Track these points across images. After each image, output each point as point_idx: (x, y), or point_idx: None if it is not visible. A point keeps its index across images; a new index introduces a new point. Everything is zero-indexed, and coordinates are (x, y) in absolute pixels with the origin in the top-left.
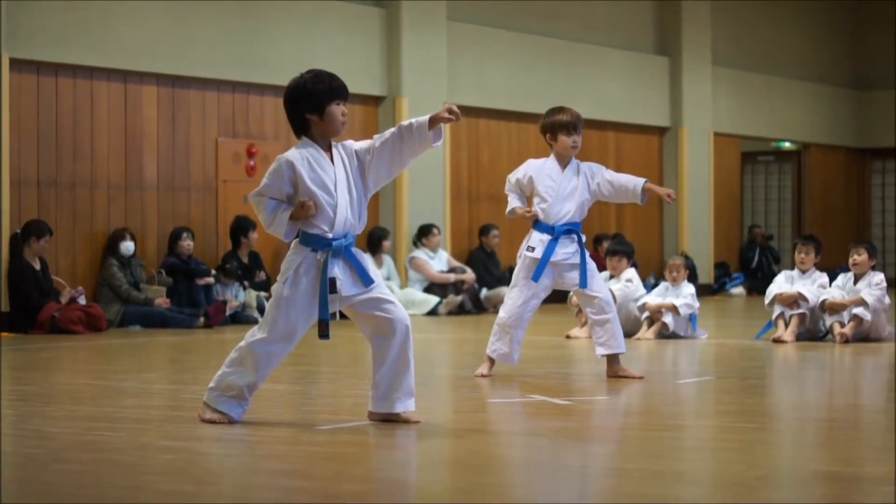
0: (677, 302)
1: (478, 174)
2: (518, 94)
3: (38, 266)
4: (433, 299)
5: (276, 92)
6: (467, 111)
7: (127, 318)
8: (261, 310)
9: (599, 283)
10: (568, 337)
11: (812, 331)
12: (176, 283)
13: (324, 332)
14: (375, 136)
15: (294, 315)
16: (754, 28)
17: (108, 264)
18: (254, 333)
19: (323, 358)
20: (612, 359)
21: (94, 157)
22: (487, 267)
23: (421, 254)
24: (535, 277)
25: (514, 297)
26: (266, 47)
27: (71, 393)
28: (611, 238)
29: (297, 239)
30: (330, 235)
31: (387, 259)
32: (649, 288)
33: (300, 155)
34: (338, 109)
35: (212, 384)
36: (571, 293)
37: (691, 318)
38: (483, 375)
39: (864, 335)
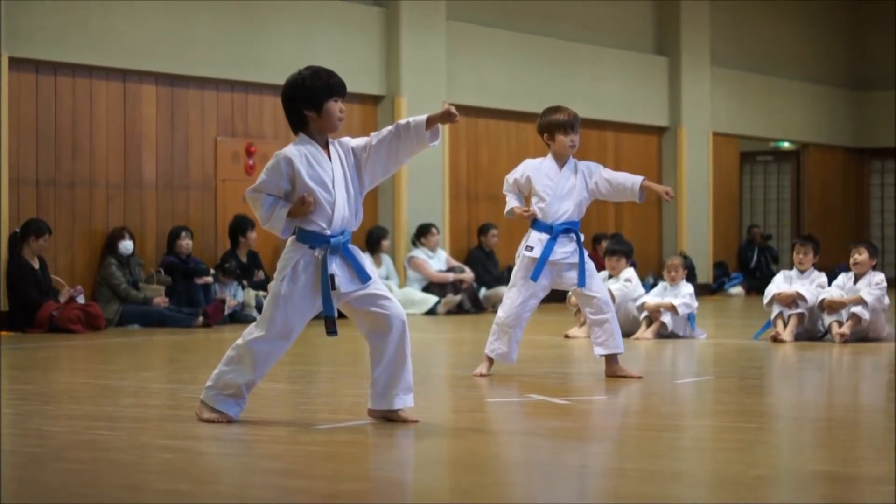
0: (676, 301)
1: (476, 174)
2: (517, 94)
3: (36, 265)
4: (432, 299)
5: (275, 91)
6: (466, 111)
7: (126, 318)
8: (259, 309)
9: (598, 283)
10: (567, 336)
11: (811, 331)
12: (175, 283)
13: (331, 329)
14: (373, 134)
15: (292, 313)
16: (753, 28)
17: (107, 263)
18: (251, 331)
19: (322, 357)
20: (611, 358)
21: (93, 156)
22: (486, 266)
23: (420, 253)
24: (534, 277)
25: (513, 297)
26: (265, 46)
27: (69, 392)
28: (609, 238)
29: (294, 236)
30: (328, 232)
31: (386, 258)
32: (648, 288)
33: (298, 151)
34: (335, 106)
35: (209, 383)
36: (570, 293)
37: (690, 318)
38: (482, 375)
39: (863, 335)
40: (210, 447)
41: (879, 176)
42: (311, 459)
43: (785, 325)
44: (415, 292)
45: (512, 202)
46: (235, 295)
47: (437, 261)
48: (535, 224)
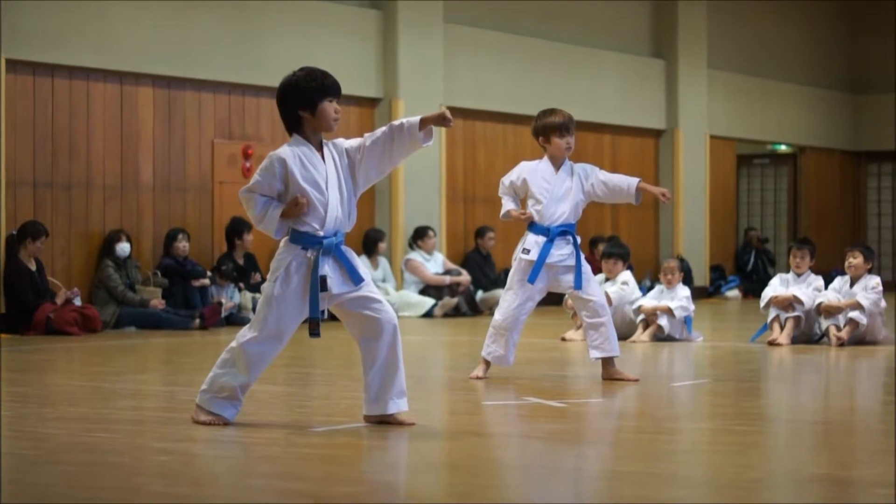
0: (673, 304)
1: (473, 176)
2: (514, 97)
3: (33, 267)
4: (428, 301)
5: (271, 94)
6: (463, 113)
7: (122, 320)
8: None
9: (595, 286)
10: (563, 339)
11: (807, 334)
12: (171, 285)
13: (314, 331)
14: (366, 135)
15: (285, 313)
16: (750, 31)
17: (104, 266)
18: (244, 334)
19: (317, 360)
20: (608, 361)
21: (90, 158)
22: (483, 269)
23: (416, 256)
24: (531, 280)
25: (510, 300)
26: (262, 49)
27: (66, 394)
28: (606, 240)
29: (287, 237)
30: (321, 233)
31: (382, 261)
32: (645, 291)
33: (292, 152)
34: (330, 107)
35: (204, 386)
36: (567, 295)
37: (687, 321)
38: (478, 378)
39: (859, 338)
40: (206, 450)
41: (876, 179)
42: (307, 462)
43: (781, 328)
44: (411, 295)
45: (508, 204)
46: (232, 297)
47: (434, 263)
48: (532, 227)
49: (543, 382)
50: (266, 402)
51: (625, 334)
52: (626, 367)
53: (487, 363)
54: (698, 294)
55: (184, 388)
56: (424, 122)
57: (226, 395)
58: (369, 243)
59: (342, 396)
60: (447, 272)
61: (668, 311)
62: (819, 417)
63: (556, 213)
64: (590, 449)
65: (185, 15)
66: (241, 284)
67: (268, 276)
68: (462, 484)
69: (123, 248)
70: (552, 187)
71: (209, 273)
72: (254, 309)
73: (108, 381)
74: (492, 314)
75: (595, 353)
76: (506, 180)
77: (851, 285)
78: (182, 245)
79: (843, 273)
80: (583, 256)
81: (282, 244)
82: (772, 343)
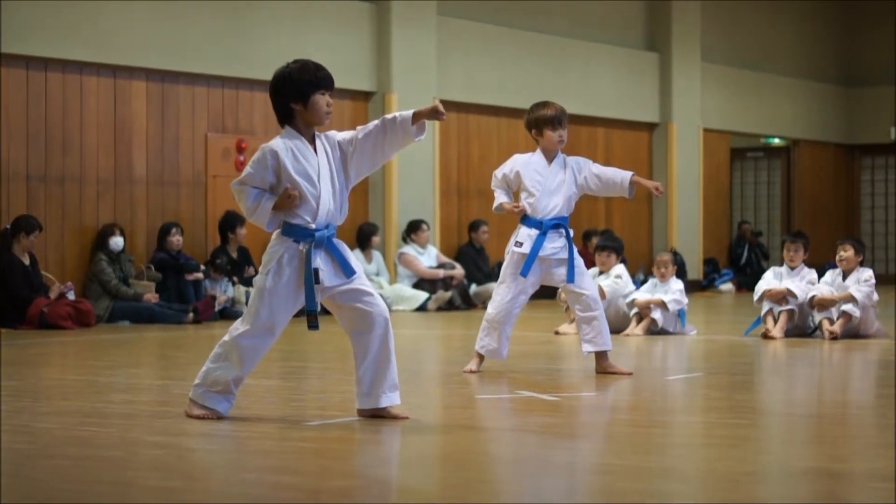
0: (666, 298)
1: (467, 170)
2: (508, 90)
3: (27, 261)
4: (422, 295)
5: (265, 87)
6: (457, 107)
7: (116, 314)
8: None
9: (587, 279)
10: (557, 333)
11: (801, 327)
12: (165, 279)
13: (313, 324)
14: (359, 128)
15: (277, 306)
16: (744, 24)
17: (98, 260)
18: (237, 327)
19: (311, 354)
20: (601, 355)
21: (83, 152)
22: (476, 263)
23: (410, 249)
24: (524, 273)
25: (503, 293)
26: (256, 43)
27: (59, 388)
28: (600, 234)
29: (279, 230)
30: (313, 226)
31: (376, 255)
32: (638, 284)
33: (284, 145)
34: (322, 99)
35: (197, 381)
36: (560, 289)
37: (680, 315)
38: (472, 371)
39: (853, 332)
40: (200, 443)
41: (870, 172)
42: (300, 456)
43: (775, 321)
44: (405, 289)
45: (501, 197)
46: (226, 291)
47: (428, 257)
48: (525, 220)
49: (537, 376)
50: (259, 396)
51: (618, 328)
52: (619, 360)
53: (481, 357)
54: (692, 287)
55: (177, 382)
56: (417, 116)
57: (219, 389)
58: (363, 237)
59: (336, 390)
60: (441, 266)
61: (662, 305)
62: (812, 411)
63: (549, 207)
64: (583, 443)
65: (178, 9)
66: (235, 278)
67: (260, 269)
68: (455, 478)
69: (117, 242)
70: (545, 180)
71: (203, 267)
72: (247, 303)
73: (102, 375)
74: (485, 308)
75: (587, 347)
76: (498, 173)
77: (844, 278)
78: (176, 239)
79: (835, 266)
80: (576, 250)
81: (273, 237)
82: (765, 336)
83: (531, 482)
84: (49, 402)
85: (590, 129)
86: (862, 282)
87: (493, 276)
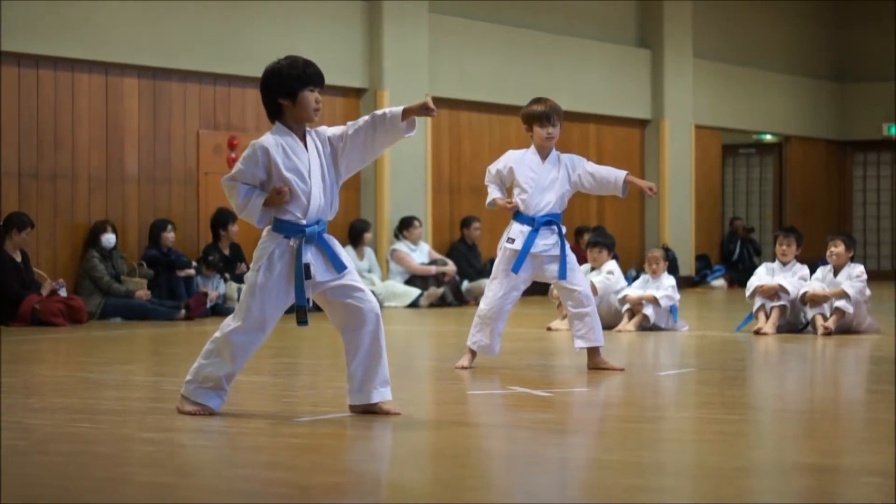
0: (658, 294)
1: (459, 166)
2: (499, 87)
3: (19, 258)
4: (414, 291)
5: (257, 84)
6: (449, 103)
7: (108, 311)
8: None
9: (579, 276)
10: (549, 329)
11: (793, 323)
12: (157, 276)
13: (302, 319)
14: (349, 123)
15: (268, 302)
16: (735, 20)
17: (90, 256)
18: (228, 324)
19: (303, 350)
20: (593, 351)
21: (75, 149)
22: (469, 259)
23: (402, 246)
24: (516, 269)
25: (495, 289)
26: (247, 40)
27: (52, 385)
28: (592, 230)
29: (270, 226)
30: (303, 222)
31: (368, 251)
32: (630, 280)
33: (275, 141)
34: (311, 95)
35: (189, 377)
36: (552, 285)
37: (672, 310)
38: (464, 367)
39: (845, 327)
40: (192, 440)
41: (862, 168)
42: (292, 452)
43: (767, 317)
44: (397, 285)
45: (494, 193)
46: (218, 288)
47: (420, 253)
48: (517, 216)
49: (529, 372)
50: (251, 392)
51: (610, 324)
52: (611, 356)
53: (473, 353)
54: (684, 283)
55: (169, 379)
56: (407, 113)
57: (211, 386)
58: (355, 234)
59: (327, 386)
60: (433, 262)
61: (654, 301)
62: (805, 406)
63: (542, 203)
64: (575, 438)
65: (169, 6)
66: (227, 275)
67: (251, 265)
68: (447, 473)
69: (109, 238)
70: (538, 177)
71: (195, 263)
72: (239, 299)
73: (94, 371)
74: (477, 304)
75: (579, 343)
76: (492, 169)
77: (835, 274)
78: (168, 236)
79: (826, 262)
80: (568, 246)
81: (264, 233)
82: (757, 332)
83: (523, 478)
84: (41, 399)
85: (581, 125)
86: (854, 277)
87: (485, 272)
